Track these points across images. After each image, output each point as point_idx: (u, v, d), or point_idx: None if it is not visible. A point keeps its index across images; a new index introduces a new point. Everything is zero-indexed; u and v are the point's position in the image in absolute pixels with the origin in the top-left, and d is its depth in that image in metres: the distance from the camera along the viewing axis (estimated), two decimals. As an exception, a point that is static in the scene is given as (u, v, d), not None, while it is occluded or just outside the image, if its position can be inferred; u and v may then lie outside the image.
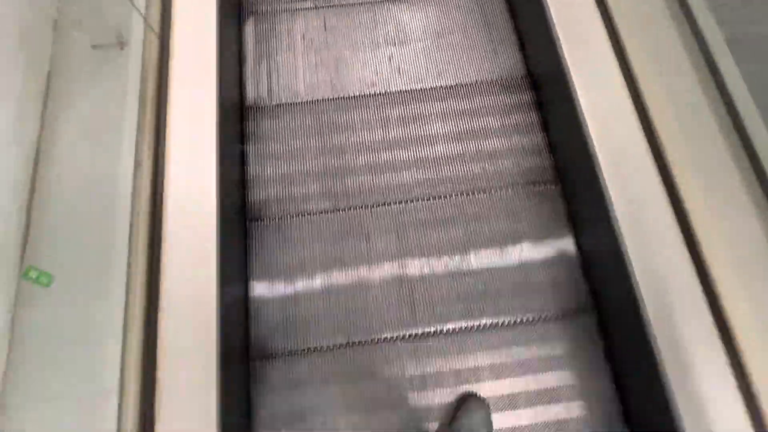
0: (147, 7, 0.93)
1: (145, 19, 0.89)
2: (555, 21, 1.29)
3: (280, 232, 1.23)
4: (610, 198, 1.10)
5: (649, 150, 1.13)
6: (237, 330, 1.14)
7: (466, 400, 1.07)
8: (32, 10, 0.66)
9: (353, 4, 1.52)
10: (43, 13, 0.68)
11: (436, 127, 1.36)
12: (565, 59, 1.24)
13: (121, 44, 0.84)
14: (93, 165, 0.80)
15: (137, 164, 0.88)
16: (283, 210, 1.26)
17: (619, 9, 1.26)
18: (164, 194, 1.08)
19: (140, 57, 0.87)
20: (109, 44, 0.82)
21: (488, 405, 1.05)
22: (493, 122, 1.37)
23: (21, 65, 0.64)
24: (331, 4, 1.52)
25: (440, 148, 1.33)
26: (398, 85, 1.42)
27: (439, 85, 1.42)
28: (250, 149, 1.33)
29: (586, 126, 1.17)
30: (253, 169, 1.31)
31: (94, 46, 0.81)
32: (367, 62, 1.44)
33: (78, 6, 0.76)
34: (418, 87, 1.42)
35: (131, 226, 0.98)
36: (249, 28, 1.48)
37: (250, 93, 1.40)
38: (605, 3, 1.27)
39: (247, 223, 1.25)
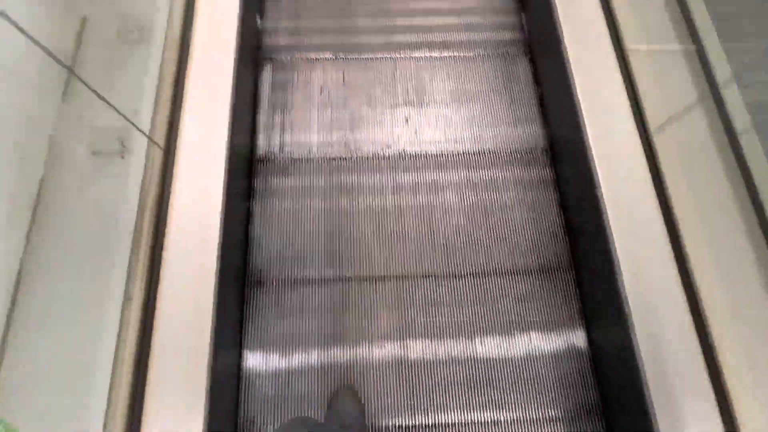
0: (154, 112, 0.88)
1: (150, 138, 0.84)
2: (581, 99, 1.25)
3: (279, 300, 1.18)
4: (625, 294, 1.06)
5: (670, 243, 1.09)
6: (227, 405, 1.08)
7: (336, 391, 1.09)
8: (28, 117, 0.62)
9: (374, 58, 1.48)
10: (42, 115, 0.64)
11: (450, 198, 1.31)
12: (588, 139, 1.20)
13: (123, 153, 0.80)
14: (82, 271, 0.74)
15: (130, 276, 0.82)
16: (285, 276, 1.21)
17: (648, 93, 1.22)
18: (164, 253, 1.03)
19: (142, 166, 0.81)
20: (109, 151, 0.77)
21: (356, 390, 1.09)
22: (510, 197, 1.32)
23: (9, 172, 0.60)
24: (352, 56, 1.48)
25: (453, 221, 1.29)
26: (414, 147, 1.38)
27: (455, 151, 1.38)
28: (257, 206, 1.28)
29: (606, 213, 1.13)
30: (257, 228, 1.26)
31: (94, 153, 0.76)
32: (384, 122, 1.40)
33: (80, 108, 0.72)
34: (435, 152, 1.37)
35: (126, 289, 0.93)
36: (266, 76, 1.44)
37: (262, 145, 1.36)
38: (634, 87, 1.24)
39: (246, 287, 1.19)
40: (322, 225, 1.26)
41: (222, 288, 1.05)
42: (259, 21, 1.46)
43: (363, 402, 1.10)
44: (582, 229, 1.26)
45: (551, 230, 1.29)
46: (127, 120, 0.76)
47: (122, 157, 0.79)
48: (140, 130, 0.80)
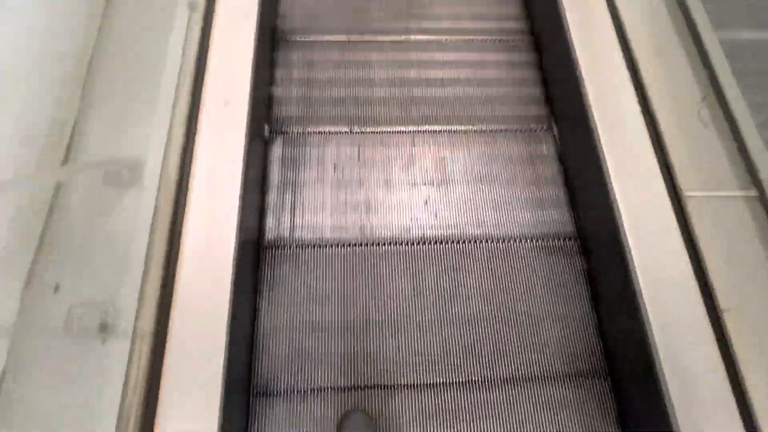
0: (142, 290, 0.75)
1: (135, 330, 0.72)
2: (614, 185, 1.16)
3: (288, 414, 1.06)
4: (671, 404, 0.95)
5: (719, 350, 0.99)
6: None
7: (346, 415, 1.04)
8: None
9: (392, 132, 1.40)
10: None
11: (472, 290, 1.21)
12: (623, 230, 1.11)
13: (104, 332, 0.67)
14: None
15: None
16: (293, 385, 1.09)
17: (686, 173, 1.14)
18: (164, 361, 0.92)
19: (128, 349, 0.69)
20: (88, 328, 0.65)
21: (366, 413, 1.04)
22: (536, 290, 1.22)
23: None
24: (368, 129, 1.40)
25: (476, 318, 1.18)
26: (433, 231, 1.28)
27: (477, 236, 1.28)
28: (263, 301, 1.17)
29: (646, 312, 1.03)
30: (263, 326, 1.14)
31: (68, 331, 0.64)
32: (401, 204, 1.31)
33: (61, 270, 0.61)
34: (455, 236, 1.28)
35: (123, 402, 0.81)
36: (276, 151, 1.35)
37: (271, 228, 1.26)
38: (670, 170, 1.15)
39: (252, 398, 1.08)
40: (334, 322, 1.16)
41: (227, 401, 0.94)
42: (267, 130, 1.37)
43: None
44: (617, 329, 1.16)
45: (582, 328, 1.20)
46: (105, 313, 0.64)
47: (102, 343, 0.66)
48: (128, 325, 0.68)
